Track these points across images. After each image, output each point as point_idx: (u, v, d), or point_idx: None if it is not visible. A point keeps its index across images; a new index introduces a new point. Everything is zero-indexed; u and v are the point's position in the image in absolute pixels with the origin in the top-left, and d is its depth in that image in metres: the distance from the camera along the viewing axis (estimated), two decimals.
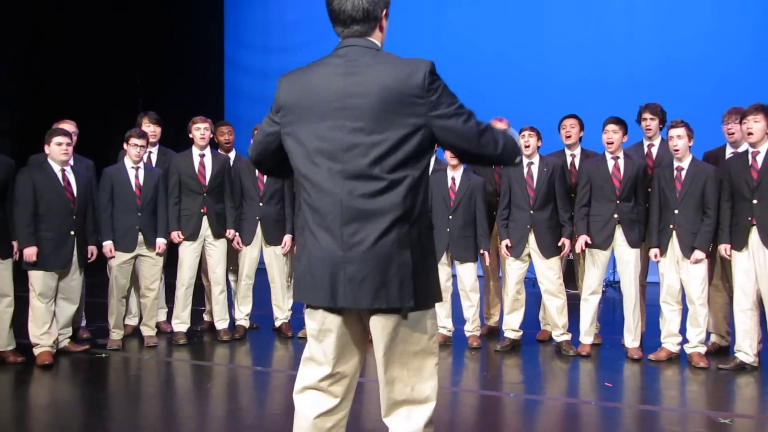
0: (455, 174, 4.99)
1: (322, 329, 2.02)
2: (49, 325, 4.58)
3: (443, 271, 4.99)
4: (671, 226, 4.54)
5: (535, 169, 4.85)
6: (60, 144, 4.58)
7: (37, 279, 4.52)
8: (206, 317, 5.69)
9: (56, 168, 4.60)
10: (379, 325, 1.95)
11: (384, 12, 2.02)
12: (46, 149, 4.61)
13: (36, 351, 4.56)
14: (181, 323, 5.23)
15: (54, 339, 4.64)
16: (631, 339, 4.75)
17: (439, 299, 2.03)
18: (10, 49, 9.03)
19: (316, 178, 1.95)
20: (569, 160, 5.12)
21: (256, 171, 5.26)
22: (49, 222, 4.53)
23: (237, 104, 10.87)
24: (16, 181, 4.50)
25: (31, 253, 4.45)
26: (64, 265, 4.61)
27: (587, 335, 4.84)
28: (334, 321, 2.00)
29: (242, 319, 5.43)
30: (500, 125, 5.27)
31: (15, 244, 4.53)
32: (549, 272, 4.83)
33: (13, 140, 8.29)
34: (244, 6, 11.03)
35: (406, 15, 9.38)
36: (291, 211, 5.30)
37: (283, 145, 2.06)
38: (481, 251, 4.96)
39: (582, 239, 4.73)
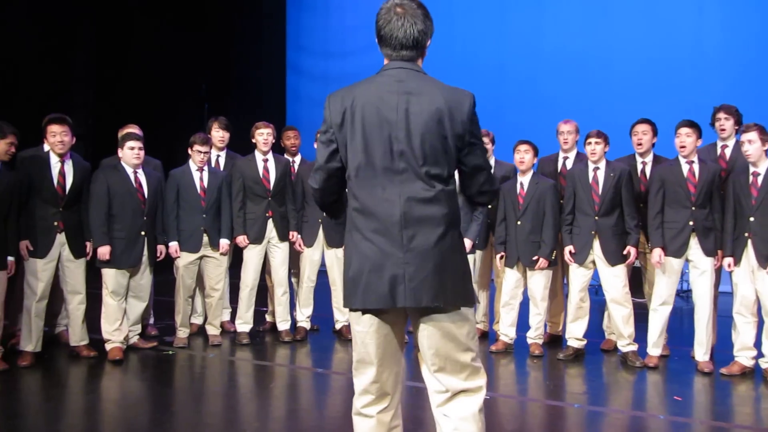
0: (523, 179, 4.91)
1: (370, 332, 2.16)
2: (120, 321, 4.76)
3: (514, 277, 4.93)
4: (746, 234, 4.34)
5: (601, 174, 4.72)
6: (132, 148, 4.75)
7: (110, 277, 4.71)
8: (268, 318, 5.79)
9: (129, 170, 4.78)
10: (431, 323, 2.12)
11: (428, 42, 2.18)
12: (120, 153, 4.80)
13: (107, 346, 4.74)
14: (244, 323, 5.33)
15: (124, 335, 4.82)
16: (702, 352, 4.56)
17: (476, 301, 2.22)
18: (84, 58, 9.45)
19: (372, 187, 2.09)
20: (640, 167, 4.94)
21: None
22: (122, 222, 4.70)
23: (298, 108, 11.03)
24: (92, 182, 4.70)
25: (104, 251, 4.63)
26: (135, 263, 4.78)
27: (655, 346, 4.67)
28: (381, 323, 2.15)
29: (303, 320, 5.49)
30: (565, 127, 5.18)
31: (88, 244, 4.73)
32: (615, 280, 4.70)
33: (87, 144, 8.65)
34: (306, 12, 11.20)
35: (468, 14, 9.34)
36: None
37: (341, 159, 2.17)
38: (536, 257, 4.86)
39: (657, 253, 4.55)
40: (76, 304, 4.71)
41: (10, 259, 4.40)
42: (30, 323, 4.54)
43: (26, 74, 8.22)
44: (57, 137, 4.53)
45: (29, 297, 4.55)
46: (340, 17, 10.87)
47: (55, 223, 4.57)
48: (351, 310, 2.17)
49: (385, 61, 2.18)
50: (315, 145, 5.44)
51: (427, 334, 2.13)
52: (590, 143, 4.71)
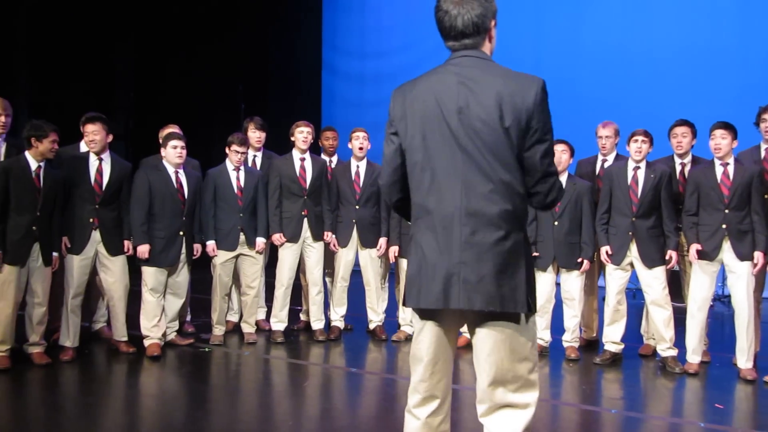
0: (560, 179, 4.84)
1: (424, 330, 2.10)
2: (159, 318, 4.85)
3: (548, 279, 4.87)
4: None
5: (641, 174, 4.63)
6: (175, 147, 4.84)
7: (149, 275, 4.80)
8: (303, 317, 5.83)
9: (170, 170, 4.86)
10: (487, 328, 2.01)
11: (492, 23, 2.06)
12: (162, 152, 4.89)
13: (146, 342, 4.83)
14: (279, 322, 5.37)
15: (162, 332, 4.90)
16: (745, 359, 4.44)
17: (536, 309, 2.07)
18: (123, 60, 9.65)
19: (433, 183, 2.01)
20: (678, 168, 4.85)
21: (353, 174, 5.35)
22: (162, 221, 4.79)
23: (334, 109, 11.08)
24: (134, 181, 4.79)
25: (143, 250, 4.73)
26: (173, 262, 4.86)
27: (695, 353, 4.56)
28: (435, 323, 2.08)
29: (337, 320, 5.52)
30: (604, 131, 5.10)
31: (127, 242, 4.82)
32: (654, 282, 4.60)
33: (126, 144, 8.84)
34: (342, 12, 11.24)
35: (504, 11, 9.25)
36: (387, 215, 5.35)
37: (403, 156, 2.11)
38: (580, 259, 4.80)
39: (693, 248, 4.46)
40: (116, 301, 4.81)
41: (54, 254, 4.52)
42: (68, 319, 4.65)
43: (71, 75, 8.43)
44: (89, 136, 4.66)
45: (66, 293, 4.66)
46: (376, 17, 10.89)
47: (91, 220, 4.67)
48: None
49: (451, 53, 2.10)
50: (348, 145, 5.46)
51: (481, 339, 2.03)
52: (636, 141, 4.62)
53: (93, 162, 4.70)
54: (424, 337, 2.10)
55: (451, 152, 1.98)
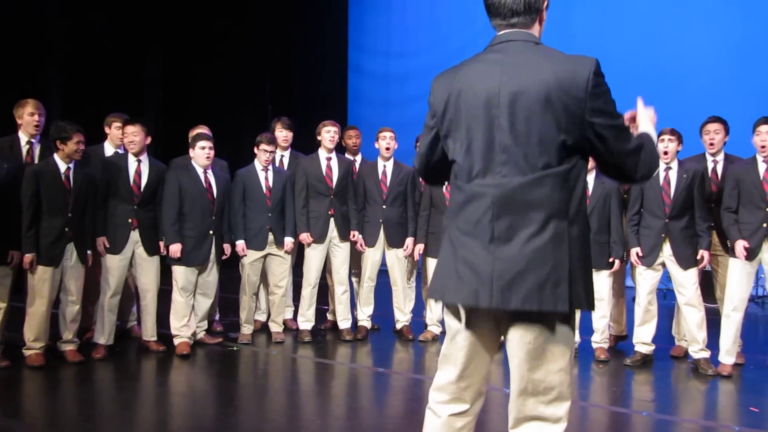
0: (588, 178, 4.79)
1: (456, 330, 1.98)
2: (188, 317, 4.91)
3: None
4: None
5: (673, 174, 4.55)
6: (203, 148, 4.89)
7: (180, 274, 4.86)
8: (329, 316, 5.84)
9: (199, 170, 4.92)
10: (521, 333, 1.85)
11: (545, 3, 1.94)
12: (191, 153, 4.95)
13: (176, 341, 4.89)
14: (306, 321, 5.40)
15: (192, 331, 4.96)
16: None
17: (593, 307, 1.89)
18: (153, 62, 9.78)
19: (470, 174, 1.90)
20: (710, 166, 4.75)
21: (380, 173, 5.35)
22: (192, 221, 4.85)
23: (360, 108, 11.10)
24: (165, 182, 4.86)
25: (175, 249, 4.78)
26: (203, 261, 4.91)
27: (729, 354, 4.48)
28: (471, 324, 1.94)
29: (364, 319, 5.52)
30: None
31: (161, 242, 4.88)
32: (688, 283, 4.52)
33: (156, 145, 8.93)
34: (368, 12, 11.25)
35: None
36: (413, 214, 5.35)
37: (442, 148, 2.03)
38: (611, 259, 4.73)
39: (740, 245, 4.35)
40: (148, 300, 4.88)
41: (89, 252, 4.61)
42: (104, 317, 4.73)
43: (102, 77, 8.58)
44: (128, 137, 4.73)
45: (104, 292, 4.74)
46: (401, 17, 10.88)
47: (130, 221, 4.75)
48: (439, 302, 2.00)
49: (497, 32, 1.96)
50: (375, 145, 5.46)
51: (514, 346, 1.87)
52: (663, 140, 4.53)
53: (132, 163, 4.77)
54: (457, 339, 1.97)
55: (491, 145, 1.85)
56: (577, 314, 4.72)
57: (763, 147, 4.31)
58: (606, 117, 1.82)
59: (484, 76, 1.88)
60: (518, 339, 1.86)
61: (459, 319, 1.96)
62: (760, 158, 4.36)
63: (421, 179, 2.21)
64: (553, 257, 1.79)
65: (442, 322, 5.44)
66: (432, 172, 2.14)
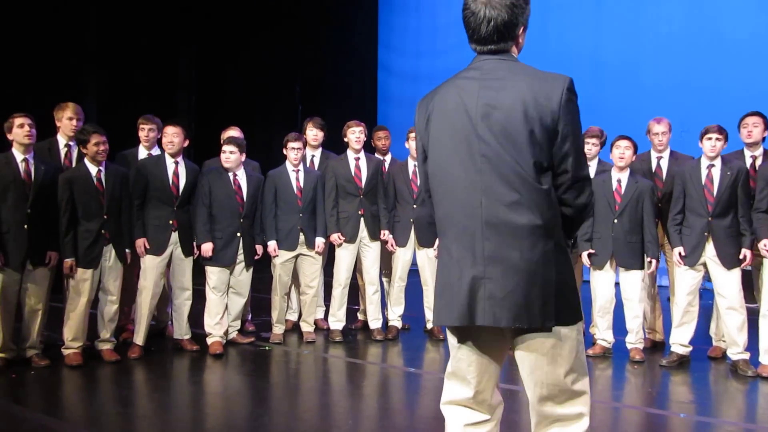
0: (621, 176, 4.71)
1: (463, 348, 1.99)
2: (221, 316, 4.97)
3: (608, 278, 4.74)
4: None
5: (716, 172, 4.44)
6: (224, 152, 4.95)
7: (213, 274, 4.92)
8: (360, 316, 5.85)
9: (230, 173, 4.97)
10: (524, 344, 1.91)
11: (521, 30, 1.96)
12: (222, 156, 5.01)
13: (209, 340, 4.95)
14: (337, 321, 5.41)
15: (225, 329, 5.01)
16: None
17: (581, 317, 1.94)
18: (186, 65, 9.93)
19: (454, 193, 1.93)
20: (749, 161, 4.64)
21: (410, 173, 5.34)
22: (220, 223, 4.90)
23: (389, 108, 11.10)
24: (197, 184, 4.93)
25: (207, 249, 4.85)
26: (230, 262, 4.95)
27: None
28: (474, 340, 1.97)
29: (395, 319, 5.52)
30: (659, 127, 4.93)
31: (194, 244, 4.95)
32: (730, 284, 4.41)
33: (189, 147, 9.07)
34: (397, 12, 11.25)
35: (563, 3, 9.05)
36: None
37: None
38: (649, 259, 4.65)
39: (764, 243, 4.26)
40: (183, 300, 4.95)
41: (127, 251, 4.69)
42: (142, 317, 4.81)
43: (137, 80, 8.74)
44: (168, 137, 4.80)
45: (142, 293, 4.81)
46: (431, 16, 10.85)
47: (170, 222, 4.82)
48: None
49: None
50: (406, 144, 5.46)
51: (521, 356, 1.93)
52: (710, 138, 4.43)
53: (170, 165, 4.85)
54: (462, 356, 2.00)
55: (472, 162, 1.88)
56: (609, 314, 4.61)
57: None
58: (570, 135, 1.86)
59: (463, 94, 1.92)
60: (524, 350, 1.92)
61: (461, 337, 1.99)
62: None
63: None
64: (542, 276, 1.85)
65: None
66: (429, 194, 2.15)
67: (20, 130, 4.34)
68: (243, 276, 5.07)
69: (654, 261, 4.65)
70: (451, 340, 2.03)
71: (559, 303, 1.86)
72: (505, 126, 1.84)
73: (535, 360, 1.90)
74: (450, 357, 2.07)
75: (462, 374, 2.01)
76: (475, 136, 1.88)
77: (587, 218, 2.00)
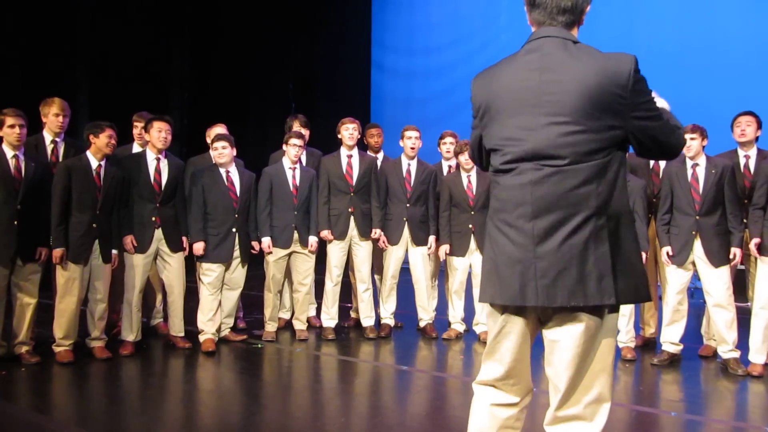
0: None
1: (503, 331, 1.97)
2: (214, 313, 4.96)
3: None
4: None
5: (701, 171, 4.48)
6: (216, 148, 4.94)
7: (206, 270, 4.92)
8: (353, 314, 5.85)
9: (222, 170, 4.96)
10: (562, 333, 1.86)
11: (587, 6, 1.94)
12: (211, 152, 4.99)
13: (201, 338, 4.94)
14: (329, 319, 5.41)
15: (217, 326, 5.00)
16: None
17: (648, 298, 1.89)
18: (179, 61, 9.89)
19: (510, 175, 1.90)
20: (742, 161, 4.67)
21: (404, 172, 5.34)
22: (215, 220, 4.89)
23: (383, 106, 11.10)
24: (190, 184, 4.91)
25: (199, 247, 4.84)
26: (226, 259, 4.95)
27: (759, 353, 4.39)
28: (516, 322, 1.94)
29: (387, 317, 5.52)
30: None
31: (185, 239, 4.94)
32: (718, 282, 4.44)
33: (181, 143, 9.04)
34: (391, 9, 11.25)
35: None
36: (435, 213, 5.33)
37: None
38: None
39: (754, 242, 4.29)
40: (175, 297, 4.94)
41: (114, 252, 4.67)
42: (131, 314, 4.79)
43: (127, 76, 8.69)
44: (163, 133, 4.77)
45: (129, 290, 4.80)
46: (424, 14, 10.85)
47: (153, 219, 4.80)
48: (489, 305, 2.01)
49: (534, 29, 1.94)
50: (400, 143, 5.45)
51: (555, 344, 1.88)
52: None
53: (151, 161, 4.82)
54: (503, 338, 1.97)
55: (529, 144, 1.85)
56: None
57: None
58: (646, 108, 1.83)
59: (523, 75, 1.88)
60: (560, 339, 1.87)
61: (504, 317, 1.96)
62: None
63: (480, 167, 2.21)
64: (594, 252, 1.79)
65: (464, 321, 5.43)
66: (483, 163, 2.14)
67: (11, 130, 4.32)
68: (237, 272, 5.06)
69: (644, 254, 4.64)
70: (494, 319, 1.99)
71: (618, 280, 1.80)
72: (566, 110, 1.81)
73: (571, 351, 1.84)
74: (489, 337, 2.04)
75: (499, 355, 1.98)
76: (534, 117, 1.84)
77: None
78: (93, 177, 4.50)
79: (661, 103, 1.95)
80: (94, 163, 4.51)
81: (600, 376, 1.88)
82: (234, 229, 4.96)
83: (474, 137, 2.11)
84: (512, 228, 1.87)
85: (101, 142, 4.48)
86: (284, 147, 5.22)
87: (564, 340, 1.86)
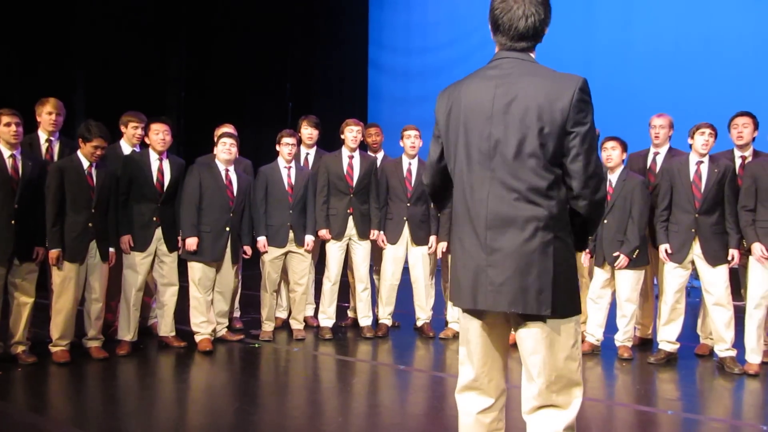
0: (612, 176, 4.71)
1: (467, 331, 2.14)
2: (208, 314, 4.94)
3: (602, 276, 4.76)
4: None
5: (704, 169, 4.48)
6: (225, 144, 4.93)
7: (197, 270, 4.90)
8: (350, 314, 5.85)
9: (221, 168, 4.96)
10: (527, 328, 2.01)
11: (546, 30, 2.07)
12: (215, 149, 4.99)
13: (197, 338, 4.93)
14: (327, 318, 5.41)
15: (212, 327, 4.99)
16: None
17: (578, 311, 2.05)
18: (176, 61, 9.87)
19: (467, 185, 2.04)
20: (738, 161, 4.67)
21: (404, 171, 5.34)
22: (209, 216, 4.88)
23: (380, 105, 11.10)
24: (186, 176, 4.90)
25: (192, 243, 4.82)
26: (218, 258, 4.93)
27: (755, 352, 4.40)
28: (476, 324, 2.11)
29: (385, 317, 5.51)
30: (658, 120, 4.96)
31: (179, 239, 4.92)
32: (717, 281, 4.45)
33: (178, 143, 9.03)
34: (388, 9, 11.25)
35: (554, 6, 9.07)
36: (435, 212, 5.33)
37: (444, 159, 2.17)
38: (617, 253, 4.64)
39: (758, 247, 4.29)
40: (168, 296, 4.93)
41: (111, 250, 4.66)
42: (128, 314, 4.78)
43: (124, 76, 8.67)
44: (161, 134, 4.76)
45: (128, 289, 4.79)
46: (421, 13, 10.86)
47: (154, 219, 4.79)
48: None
49: (497, 49, 2.08)
50: (400, 143, 5.46)
51: (522, 338, 2.04)
52: (703, 134, 4.48)
53: (154, 162, 4.82)
54: (470, 337, 2.13)
55: (485, 157, 1.98)
56: (601, 311, 4.63)
57: None
58: (580, 135, 1.93)
59: (481, 89, 2.02)
60: (526, 333, 2.02)
61: (470, 318, 2.13)
62: None
63: (431, 197, 2.32)
64: (539, 265, 1.94)
65: None
66: (439, 185, 2.26)
67: (7, 129, 4.31)
68: (228, 273, 5.04)
69: (624, 257, 4.61)
70: (462, 321, 2.16)
71: (557, 293, 1.95)
72: (521, 125, 1.94)
73: (537, 343, 2.00)
74: (459, 342, 2.21)
75: (469, 357, 2.14)
76: (492, 134, 1.97)
77: (601, 215, 2.10)
78: (86, 177, 4.48)
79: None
80: (85, 164, 4.49)
81: (567, 364, 2.01)
82: (228, 228, 4.95)
83: (434, 153, 2.20)
84: (469, 237, 2.02)
85: (86, 150, 4.45)
86: (277, 147, 5.21)
87: (528, 335, 2.01)
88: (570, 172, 1.96)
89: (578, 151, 1.94)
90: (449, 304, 5.42)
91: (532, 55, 2.05)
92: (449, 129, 2.09)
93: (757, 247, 4.29)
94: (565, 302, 1.98)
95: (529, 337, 2.01)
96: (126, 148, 5.18)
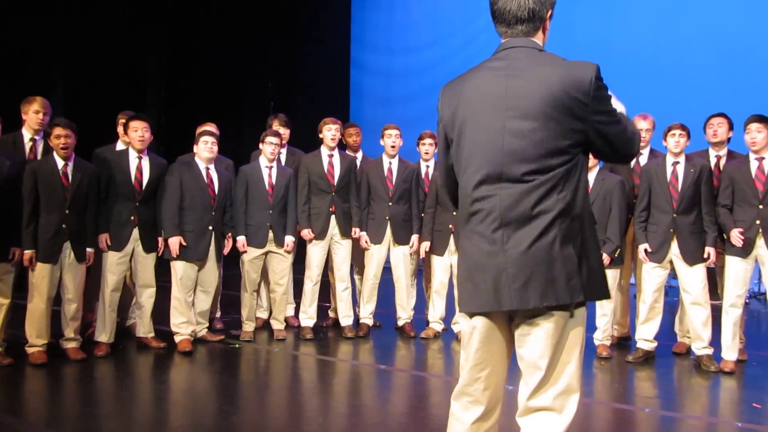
0: (589, 176, 4.75)
1: (472, 334, 2.02)
2: (188, 314, 4.91)
3: None
4: None
5: (680, 169, 4.54)
6: (206, 142, 4.90)
7: (179, 270, 4.86)
8: (331, 314, 5.84)
9: (202, 166, 4.92)
10: (531, 330, 1.91)
11: (549, 13, 1.99)
12: (195, 148, 4.95)
13: (177, 339, 4.89)
14: (308, 318, 5.40)
15: (193, 328, 4.96)
16: None
17: (608, 295, 1.98)
18: (155, 61, 9.79)
19: (478, 183, 1.93)
20: (713, 161, 4.75)
21: (385, 171, 5.34)
22: (191, 216, 4.85)
23: (362, 105, 11.09)
24: (167, 175, 4.85)
25: (174, 242, 4.78)
26: (202, 257, 4.90)
27: (731, 350, 4.46)
28: (485, 326, 1.99)
29: (366, 317, 5.51)
30: (643, 123, 5.00)
31: (160, 239, 4.88)
32: (694, 280, 4.51)
33: (159, 142, 8.96)
34: (370, 9, 11.24)
35: None
36: (417, 212, 5.34)
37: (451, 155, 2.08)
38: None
39: (735, 232, 4.34)
40: (146, 297, 4.88)
41: (89, 250, 4.60)
42: (105, 315, 4.73)
43: (104, 74, 8.59)
44: (139, 132, 4.71)
45: (104, 289, 4.74)
46: (404, 13, 10.87)
47: (132, 218, 4.74)
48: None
49: (502, 40, 2.00)
50: (381, 142, 5.46)
51: (524, 340, 1.94)
52: (674, 135, 4.53)
53: (133, 160, 4.77)
54: (473, 341, 2.02)
55: (496, 152, 1.89)
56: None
57: (752, 144, 4.32)
58: (608, 116, 1.90)
59: (490, 82, 1.93)
60: (529, 335, 1.92)
61: (475, 323, 2.01)
62: (752, 156, 4.36)
63: (448, 198, 2.25)
64: (561, 253, 1.85)
65: (444, 320, 5.44)
66: (454, 185, 2.13)
67: None
68: (210, 273, 5.01)
69: (606, 256, 4.62)
70: (465, 325, 2.04)
71: (584, 279, 1.88)
72: (531, 116, 1.85)
73: (540, 345, 1.90)
74: (462, 345, 2.09)
75: (469, 358, 2.03)
76: (504, 128, 1.89)
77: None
78: (60, 177, 4.42)
79: (619, 107, 1.99)
80: (60, 164, 4.43)
81: (568, 368, 1.93)
82: (210, 227, 4.92)
83: (443, 151, 2.12)
84: (481, 237, 1.91)
85: (52, 143, 4.42)
86: (261, 146, 5.19)
87: (534, 335, 1.91)
88: (613, 148, 1.93)
89: (607, 126, 1.89)
90: (431, 303, 5.43)
91: (537, 41, 1.97)
92: (457, 129, 1.99)
93: (735, 232, 4.35)
94: (593, 287, 1.91)
95: (534, 339, 1.91)
96: (120, 147, 5.11)
